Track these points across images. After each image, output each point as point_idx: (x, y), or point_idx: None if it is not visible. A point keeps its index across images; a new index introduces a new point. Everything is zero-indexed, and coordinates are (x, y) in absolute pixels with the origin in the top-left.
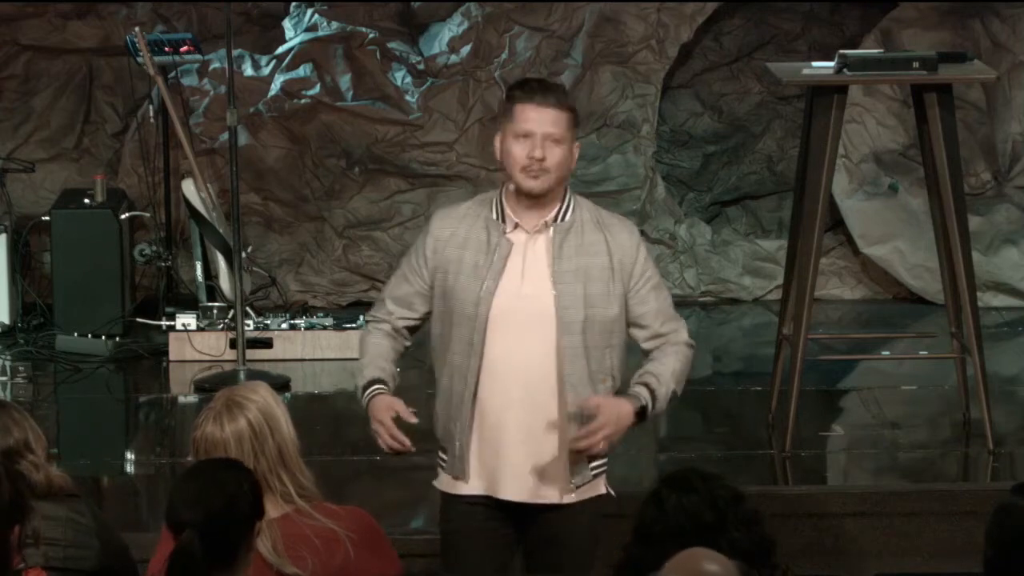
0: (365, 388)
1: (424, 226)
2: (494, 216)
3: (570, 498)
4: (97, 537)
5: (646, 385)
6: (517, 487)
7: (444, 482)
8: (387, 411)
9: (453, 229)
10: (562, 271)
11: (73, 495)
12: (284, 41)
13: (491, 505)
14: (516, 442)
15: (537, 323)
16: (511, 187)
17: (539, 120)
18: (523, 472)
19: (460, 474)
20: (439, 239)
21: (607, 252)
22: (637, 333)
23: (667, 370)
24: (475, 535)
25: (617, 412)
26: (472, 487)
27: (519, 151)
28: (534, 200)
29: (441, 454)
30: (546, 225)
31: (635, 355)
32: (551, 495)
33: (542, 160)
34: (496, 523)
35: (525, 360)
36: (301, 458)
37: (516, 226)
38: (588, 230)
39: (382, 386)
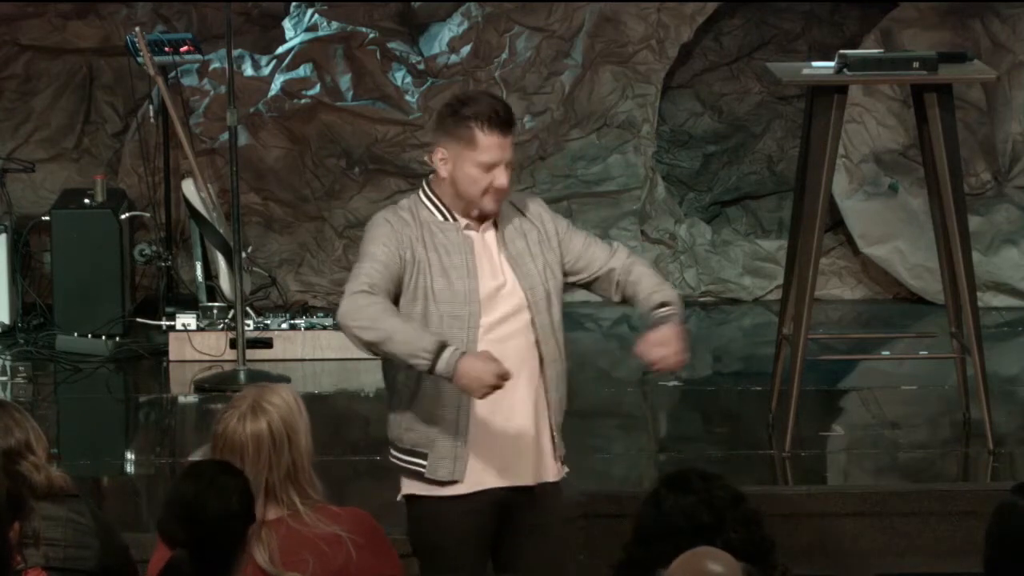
0: (438, 351)
1: (374, 225)
2: (439, 217)
3: (558, 477)
4: (97, 537)
5: (664, 303)
6: (527, 470)
7: (424, 487)
8: (492, 373)
9: (412, 231)
10: (516, 255)
11: (73, 495)
12: (284, 41)
13: (483, 501)
14: (526, 426)
15: (515, 310)
16: (442, 187)
17: (503, 150)
18: (532, 454)
19: (452, 475)
20: (405, 235)
21: (532, 226)
22: (585, 277)
23: (656, 281)
24: (470, 538)
25: (676, 333)
26: (469, 484)
27: (484, 180)
28: None
29: (416, 460)
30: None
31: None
32: (550, 474)
33: (506, 188)
34: (487, 520)
35: (514, 347)
36: (313, 470)
37: (467, 223)
38: (513, 213)
39: (453, 347)
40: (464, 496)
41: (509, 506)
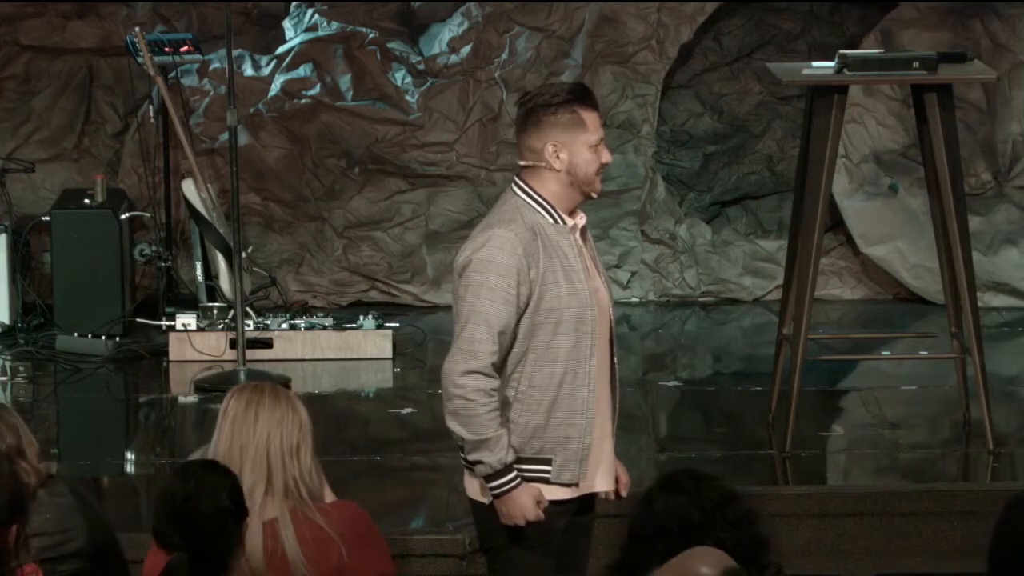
0: (506, 470)
1: (490, 251)
2: (550, 219)
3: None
4: (79, 513)
5: None
6: (607, 478)
7: (547, 491)
8: (537, 507)
9: (532, 239)
10: (596, 257)
11: (49, 476)
12: (284, 41)
13: (572, 504)
14: (607, 434)
15: (604, 316)
16: (546, 184)
17: (600, 126)
18: (611, 462)
19: (575, 478)
20: (530, 253)
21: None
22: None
23: None
24: (553, 538)
25: None
26: (582, 488)
27: (596, 159)
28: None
29: (540, 466)
30: (580, 220)
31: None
32: (611, 483)
33: (610, 162)
34: (565, 520)
35: (603, 353)
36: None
37: (572, 224)
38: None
39: (516, 473)
40: (568, 502)
41: (579, 509)
